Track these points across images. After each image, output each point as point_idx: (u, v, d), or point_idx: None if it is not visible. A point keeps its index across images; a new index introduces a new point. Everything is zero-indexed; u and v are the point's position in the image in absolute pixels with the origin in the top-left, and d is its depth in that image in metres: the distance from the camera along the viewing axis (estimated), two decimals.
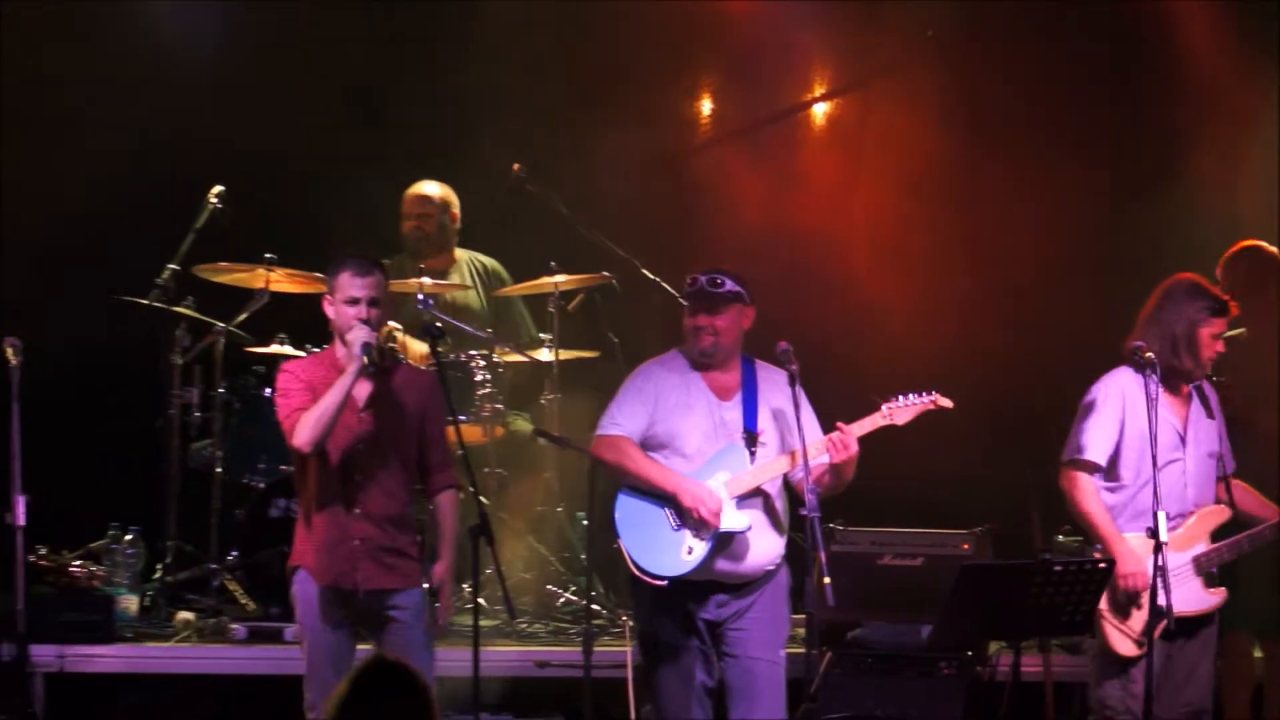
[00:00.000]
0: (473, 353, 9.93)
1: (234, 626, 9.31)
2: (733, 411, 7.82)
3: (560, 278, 9.97)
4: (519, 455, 10.17)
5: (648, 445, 7.80)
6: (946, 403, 7.88)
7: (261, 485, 9.62)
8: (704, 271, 7.82)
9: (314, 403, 7.50)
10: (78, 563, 9.46)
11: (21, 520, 8.32)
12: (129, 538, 9.51)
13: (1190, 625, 7.87)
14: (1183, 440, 7.96)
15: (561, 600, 9.91)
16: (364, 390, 7.60)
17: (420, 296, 9.71)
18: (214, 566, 9.60)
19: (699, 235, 10.85)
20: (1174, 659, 7.87)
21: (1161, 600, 7.56)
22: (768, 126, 11.50)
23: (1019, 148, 11.04)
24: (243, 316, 9.71)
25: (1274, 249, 9.22)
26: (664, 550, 7.70)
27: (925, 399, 7.84)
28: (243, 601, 9.58)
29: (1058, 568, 7.51)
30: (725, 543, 7.68)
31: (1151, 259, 9.92)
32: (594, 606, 8.99)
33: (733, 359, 7.88)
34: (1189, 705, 7.93)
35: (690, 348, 7.86)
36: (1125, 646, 7.78)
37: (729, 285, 7.78)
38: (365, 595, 7.58)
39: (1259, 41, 11.00)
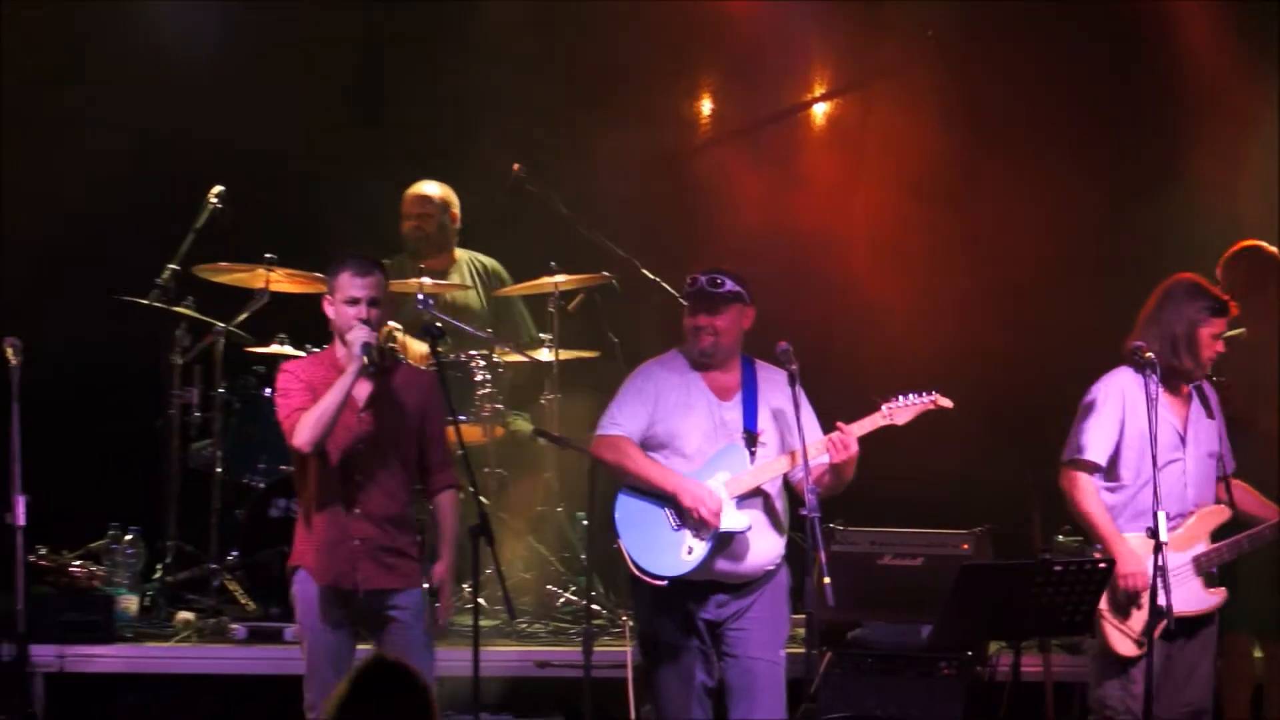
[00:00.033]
0: (473, 353, 9.93)
1: (234, 626, 9.31)
2: (733, 411, 7.82)
3: (560, 278, 9.97)
4: (519, 455, 10.17)
5: (648, 445, 7.80)
6: (946, 403, 7.88)
7: (261, 485, 9.62)
8: (704, 271, 7.82)
9: (314, 403, 7.50)
10: (78, 563, 9.47)
11: (21, 520, 8.32)
12: (129, 538, 9.51)
13: (1190, 625, 7.88)
14: (1183, 440, 7.96)
15: (561, 600, 9.91)
16: (364, 390, 7.60)
17: (420, 296, 9.71)
18: (214, 566, 9.61)
19: (699, 235, 10.85)
20: (1174, 659, 7.87)
21: (1161, 600, 7.56)
22: (768, 126, 11.51)
23: (1019, 148, 11.05)
24: (243, 316, 9.71)
25: (1274, 249, 9.22)
26: (664, 550, 7.70)
27: (925, 399, 7.85)
28: (243, 601, 9.58)
29: (1058, 568, 7.51)
30: (725, 543, 7.69)
31: (1151, 259, 9.92)
32: (594, 606, 9.00)
33: (733, 359, 7.88)
34: (1189, 705, 7.93)
35: (690, 348, 7.86)
36: (1125, 646, 7.78)
37: (729, 285, 7.78)
38: (365, 595, 7.58)
39: (1259, 42, 11.01)
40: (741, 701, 7.74)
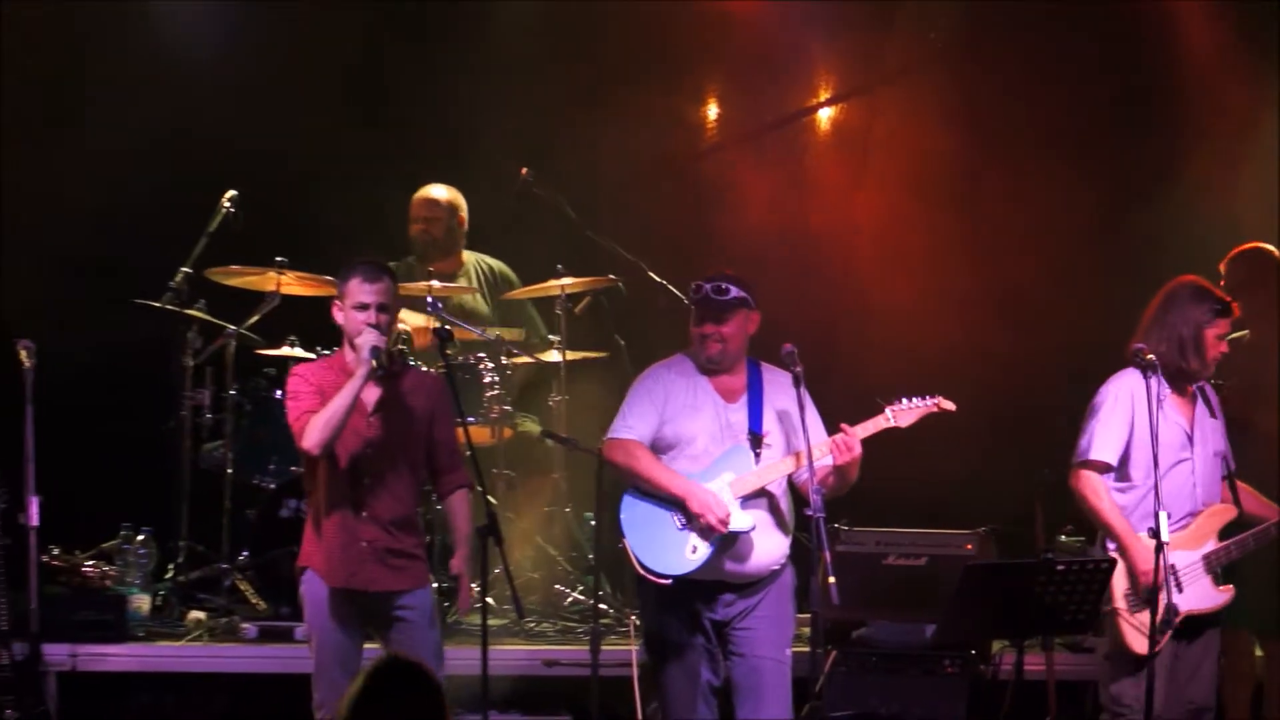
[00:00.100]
0: (481, 355, 9.94)
1: (245, 626, 9.34)
2: (738, 413, 7.84)
3: (567, 280, 9.99)
4: (527, 456, 10.20)
5: (656, 447, 7.82)
6: (949, 405, 7.90)
7: (272, 486, 9.64)
8: (708, 279, 7.84)
9: (323, 406, 7.54)
10: (90, 563, 9.52)
11: (35, 521, 8.39)
12: (141, 538, 9.54)
13: (1200, 623, 7.90)
14: (1190, 440, 7.97)
15: (569, 599, 9.93)
16: (373, 394, 7.64)
17: (429, 299, 9.72)
18: (225, 566, 9.64)
19: (705, 238, 10.86)
20: (1180, 657, 7.89)
21: (1165, 599, 7.61)
22: (774, 131, 11.49)
23: (1021, 150, 11.05)
24: (254, 319, 9.74)
25: (1275, 250, 9.22)
26: (668, 550, 7.72)
27: (928, 402, 7.87)
28: (253, 601, 9.61)
29: (1060, 567, 7.54)
30: (730, 542, 7.71)
31: (1152, 260, 9.94)
32: (601, 606, 8.99)
33: (739, 362, 7.91)
34: (1192, 703, 7.95)
35: (697, 353, 7.89)
36: (1142, 644, 7.74)
37: (734, 292, 7.80)
38: (373, 596, 7.63)
39: (1259, 43, 11.00)
40: (748, 700, 7.77)
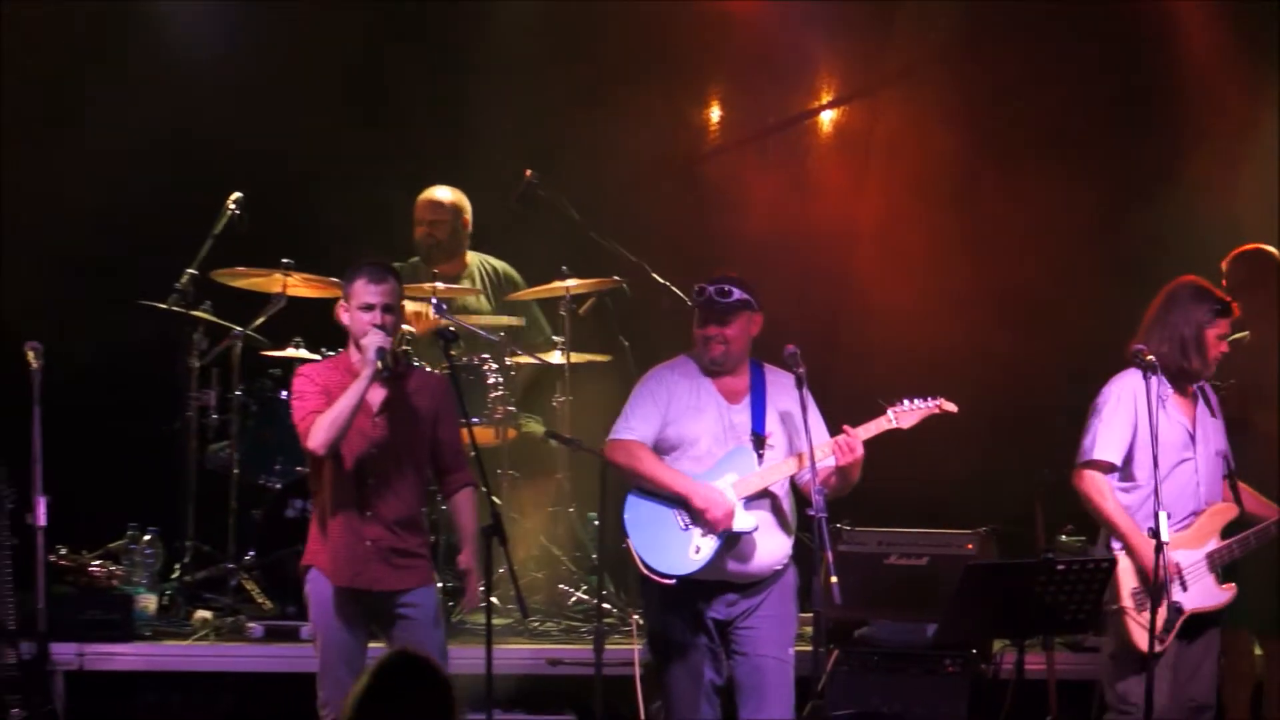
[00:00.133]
0: (485, 356, 9.95)
1: (251, 625, 9.34)
2: (741, 414, 7.87)
3: (572, 282, 10.00)
4: (531, 457, 10.21)
5: (659, 448, 7.85)
6: (951, 407, 7.92)
7: (278, 486, 9.66)
8: (711, 281, 7.86)
9: (329, 406, 7.57)
10: (97, 562, 9.53)
11: (42, 521, 8.39)
12: (147, 538, 9.56)
13: (1200, 622, 7.93)
14: (1192, 439, 8.01)
15: (573, 599, 9.93)
16: (378, 395, 7.67)
17: (434, 301, 9.74)
18: (231, 566, 9.65)
19: (708, 240, 10.86)
20: (1180, 656, 7.92)
21: (1176, 597, 7.66)
22: (777, 132, 11.48)
23: (1022, 151, 11.04)
24: (259, 320, 9.76)
25: (1275, 251, 9.24)
26: (671, 550, 7.74)
27: (930, 404, 7.89)
28: (259, 600, 9.62)
29: (1060, 567, 7.57)
30: (733, 543, 7.74)
31: (1152, 261, 9.95)
32: (605, 605, 8.97)
33: (741, 363, 7.93)
34: (1193, 701, 7.98)
35: (700, 355, 7.92)
36: (1154, 643, 7.75)
37: (737, 294, 7.82)
38: (377, 595, 7.67)
39: (1259, 43, 11.01)
40: (751, 699, 7.79)
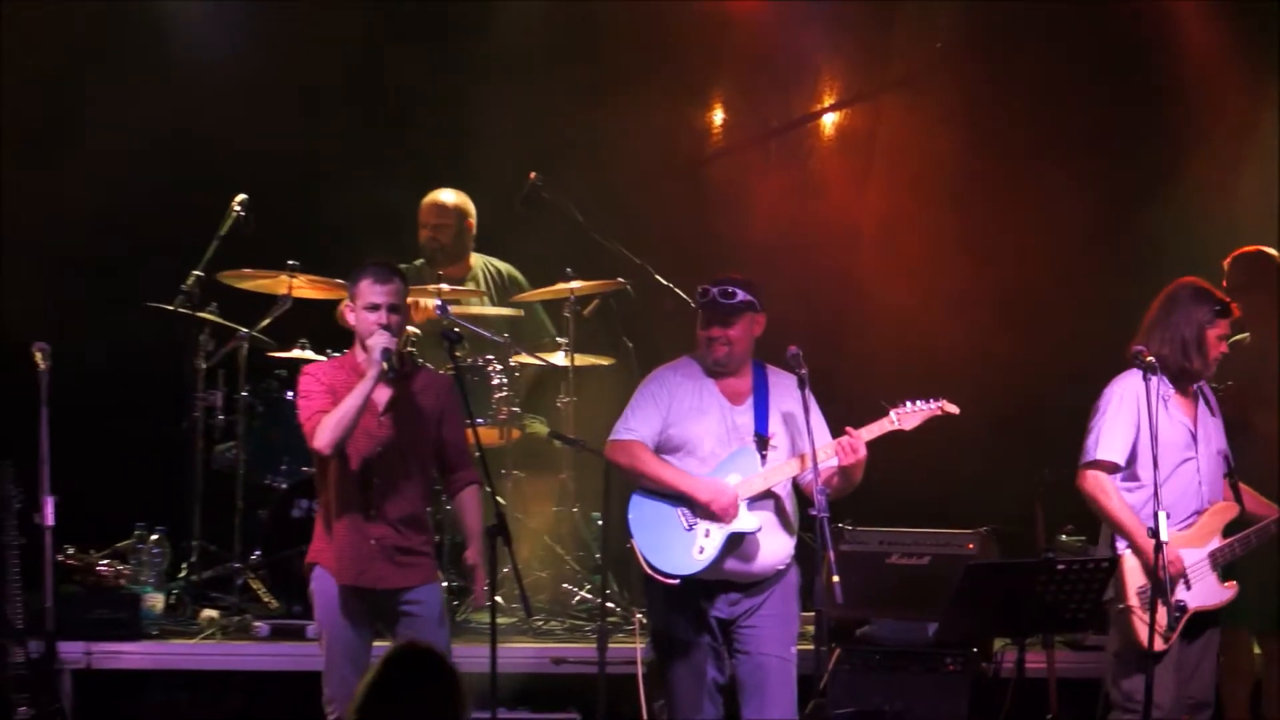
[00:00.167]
0: (489, 357, 9.97)
1: (257, 624, 9.37)
2: (744, 415, 7.88)
3: (576, 284, 10.00)
4: (535, 457, 10.21)
5: (662, 449, 7.87)
6: (953, 409, 7.92)
7: (283, 486, 9.70)
8: (715, 282, 7.87)
9: (334, 406, 7.60)
10: (105, 562, 9.55)
11: (50, 521, 8.39)
12: (155, 537, 9.58)
13: (1200, 621, 7.95)
14: (1194, 439, 8.03)
15: (577, 598, 9.95)
16: (383, 395, 7.70)
17: (439, 302, 9.70)
18: (237, 565, 9.68)
19: (711, 241, 10.87)
20: (1181, 654, 7.92)
21: (1173, 595, 7.67)
22: (781, 135, 11.49)
23: (1023, 153, 11.07)
24: (265, 322, 9.78)
25: (1275, 253, 9.24)
26: (676, 550, 7.76)
27: (932, 405, 7.90)
28: (265, 600, 9.67)
29: (1061, 566, 7.60)
30: (736, 543, 7.75)
31: (1153, 261, 9.98)
32: (608, 604, 9.02)
33: (744, 364, 7.95)
34: (1192, 699, 7.99)
35: (703, 356, 7.93)
36: (1155, 642, 7.76)
37: (740, 295, 7.83)
38: (381, 593, 7.70)
39: (1259, 44, 11.02)
40: (753, 697, 7.81)
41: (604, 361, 10.18)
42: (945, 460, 9.81)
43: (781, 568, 7.89)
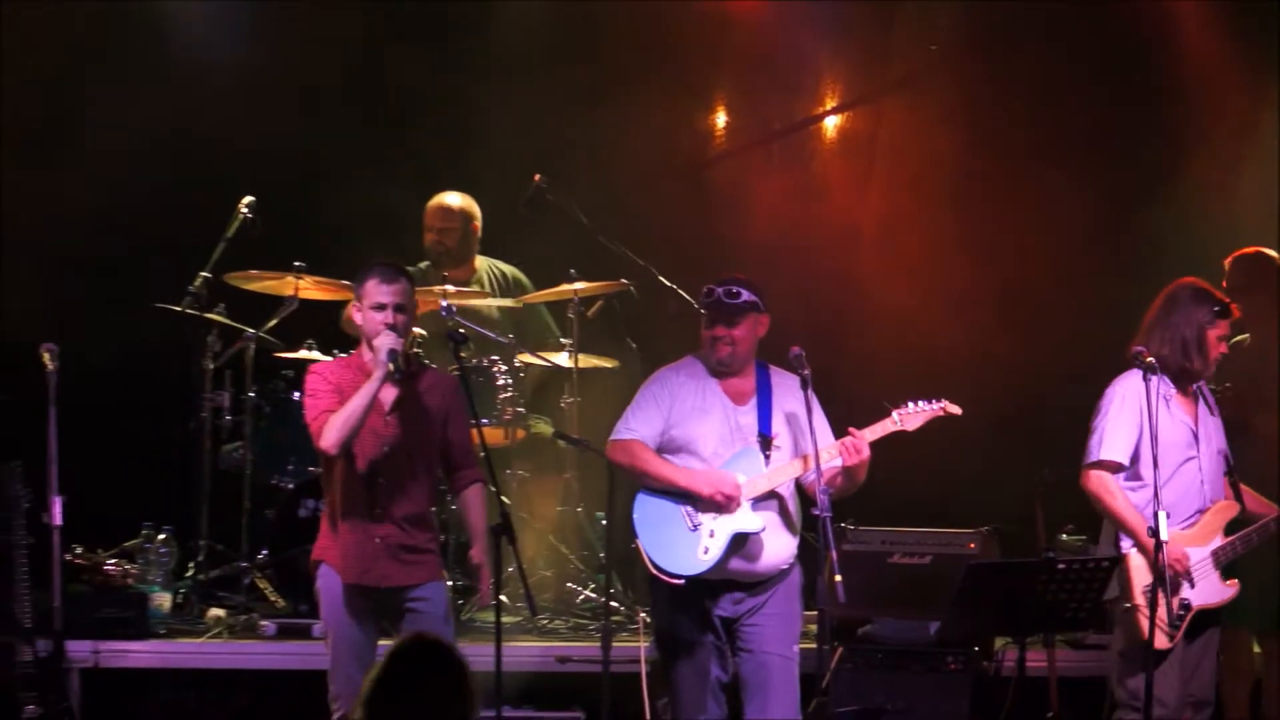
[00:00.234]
0: (494, 358, 9.98)
1: (264, 623, 9.38)
2: (748, 416, 7.91)
3: (580, 285, 10.01)
4: (540, 457, 10.25)
5: (665, 449, 7.89)
6: (955, 410, 7.94)
7: (290, 486, 9.71)
8: (719, 282, 7.89)
9: (341, 405, 7.63)
10: (112, 561, 9.55)
11: (58, 520, 8.42)
12: (162, 537, 9.59)
13: (1201, 620, 7.97)
14: (1196, 438, 8.06)
15: (581, 597, 9.97)
16: (390, 394, 7.72)
17: (444, 303, 9.74)
18: (244, 565, 9.69)
19: (715, 242, 10.87)
20: (1183, 652, 7.94)
21: (1163, 597, 7.68)
22: (783, 137, 11.49)
23: (1023, 153, 11.07)
24: (272, 323, 9.80)
25: (1275, 254, 9.27)
26: (680, 550, 7.79)
27: (935, 406, 7.92)
28: (272, 599, 9.68)
29: (1061, 565, 7.63)
30: (741, 543, 7.78)
31: (1153, 262, 10.00)
32: (613, 603, 9.01)
33: (748, 365, 7.98)
34: (1193, 697, 8.02)
35: (707, 356, 7.96)
36: (1160, 639, 7.78)
37: (745, 296, 7.85)
38: (386, 591, 7.73)
39: (1259, 45, 11.03)
40: (756, 696, 7.83)
41: (608, 364, 10.20)
42: (946, 460, 9.80)
43: (785, 567, 7.92)
